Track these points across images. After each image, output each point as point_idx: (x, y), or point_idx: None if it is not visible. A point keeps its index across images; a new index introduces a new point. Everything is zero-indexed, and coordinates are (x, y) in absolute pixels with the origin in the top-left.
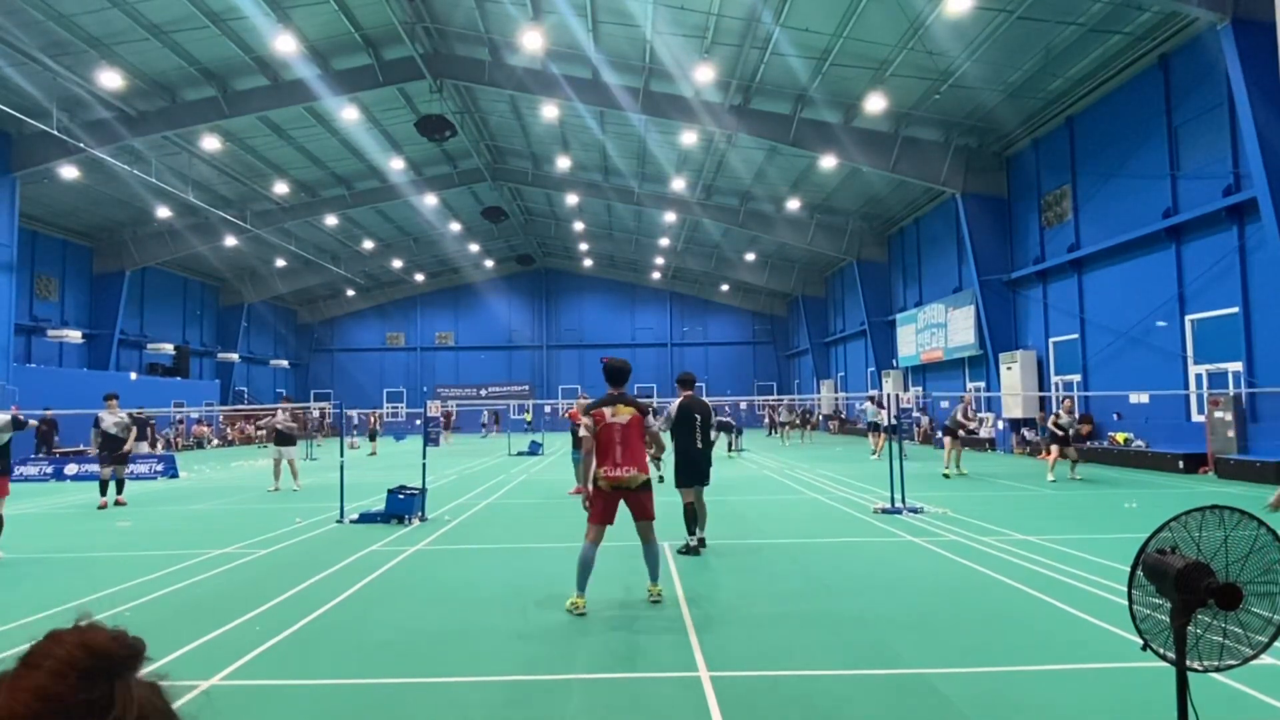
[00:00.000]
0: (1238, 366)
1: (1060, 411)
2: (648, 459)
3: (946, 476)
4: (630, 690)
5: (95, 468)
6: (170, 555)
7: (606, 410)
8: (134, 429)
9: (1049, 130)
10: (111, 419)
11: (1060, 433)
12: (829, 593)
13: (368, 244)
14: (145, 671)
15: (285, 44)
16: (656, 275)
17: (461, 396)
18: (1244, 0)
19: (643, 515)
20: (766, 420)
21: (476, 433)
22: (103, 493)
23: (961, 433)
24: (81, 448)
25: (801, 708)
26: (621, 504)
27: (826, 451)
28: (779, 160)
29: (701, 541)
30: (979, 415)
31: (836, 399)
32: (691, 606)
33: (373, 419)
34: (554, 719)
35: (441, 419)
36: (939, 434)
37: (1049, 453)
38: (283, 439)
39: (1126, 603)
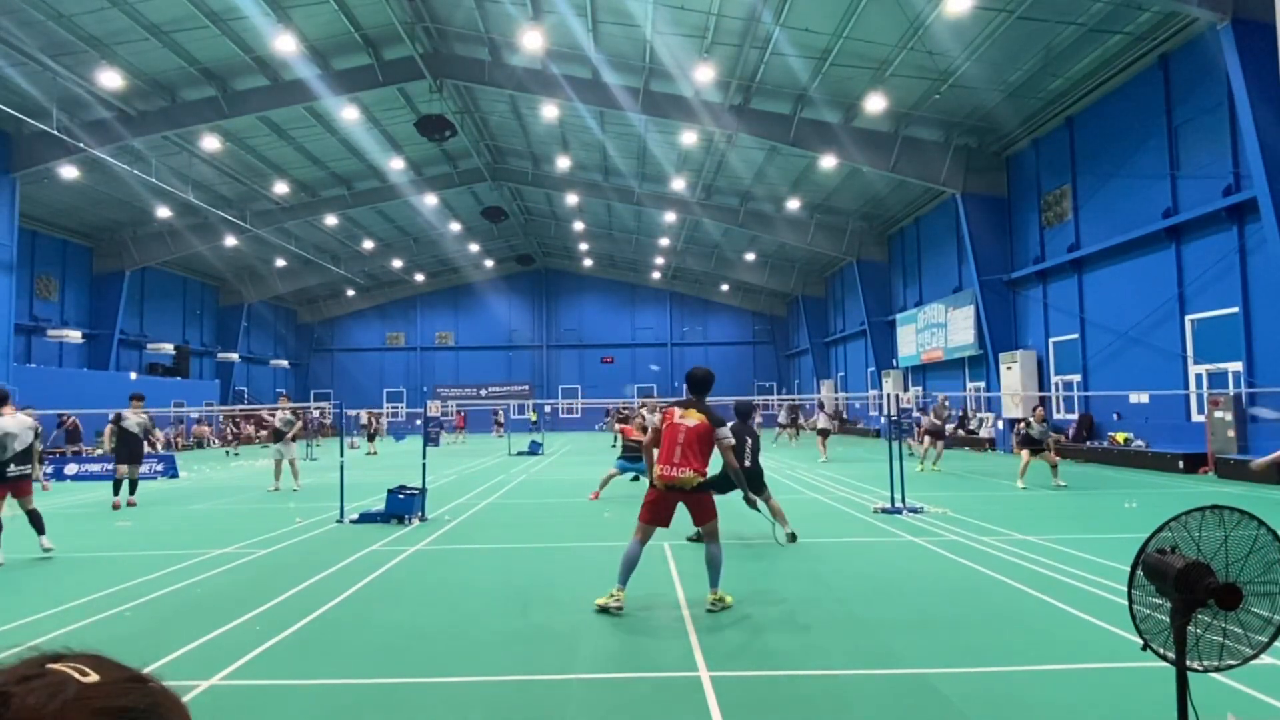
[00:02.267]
0: (1238, 366)
1: (1031, 420)
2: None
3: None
4: (630, 690)
5: (95, 468)
6: (170, 555)
7: (677, 410)
8: (155, 430)
9: (1049, 130)
10: (135, 418)
11: (1025, 439)
12: (829, 592)
13: (368, 244)
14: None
15: (285, 44)
16: (656, 275)
17: (461, 396)
18: (1244, 0)
19: (699, 519)
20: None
21: (490, 432)
22: (116, 491)
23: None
24: (86, 449)
25: (801, 708)
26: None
27: (829, 451)
28: (779, 160)
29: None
30: (950, 412)
31: (836, 399)
32: (691, 606)
33: (369, 418)
34: (554, 719)
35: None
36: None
37: (1029, 459)
38: (283, 438)
39: (1126, 603)
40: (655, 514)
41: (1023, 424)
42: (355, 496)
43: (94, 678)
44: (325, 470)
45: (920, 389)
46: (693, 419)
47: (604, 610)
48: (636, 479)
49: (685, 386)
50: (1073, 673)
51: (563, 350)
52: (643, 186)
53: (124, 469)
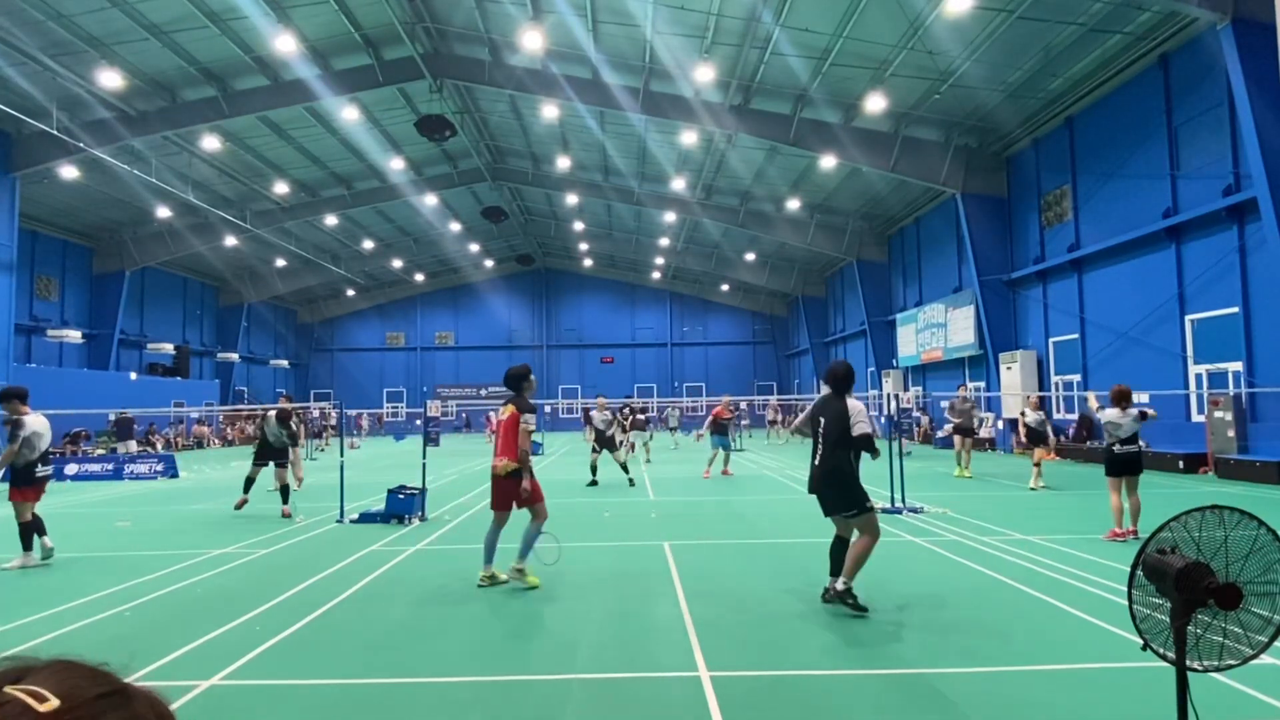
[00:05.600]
0: (1238, 366)
1: (1026, 409)
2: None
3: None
4: (630, 690)
5: (95, 467)
6: (170, 555)
7: (500, 409)
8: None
9: (1049, 130)
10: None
11: (1031, 434)
12: None
13: (368, 244)
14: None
15: (285, 44)
16: (656, 275)
17: (461, 396)
18: (1244, 0)
19: (516, 503)
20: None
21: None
22: (245, 490)
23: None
24: (86, 449)
25: (801, 708)
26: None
27: None
28: (779, 160)
29: (839, 594)
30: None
31: None
32: (691, 606)
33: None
34: (554, 719)
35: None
36: (939, 434)
37: (1042, 455)
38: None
39: (1126, 603)
40: (494, 501)
41: (1021, 416)
42: (355, 497)
43: (52, 704)
44: (325, 470)
45: (920, 389)
46: (505, 413)
47: (480, 584)
48: (632, 483)
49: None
50: (1073, 673)
51: (563, 350)
52: (643, 186)
53: (255, 471)
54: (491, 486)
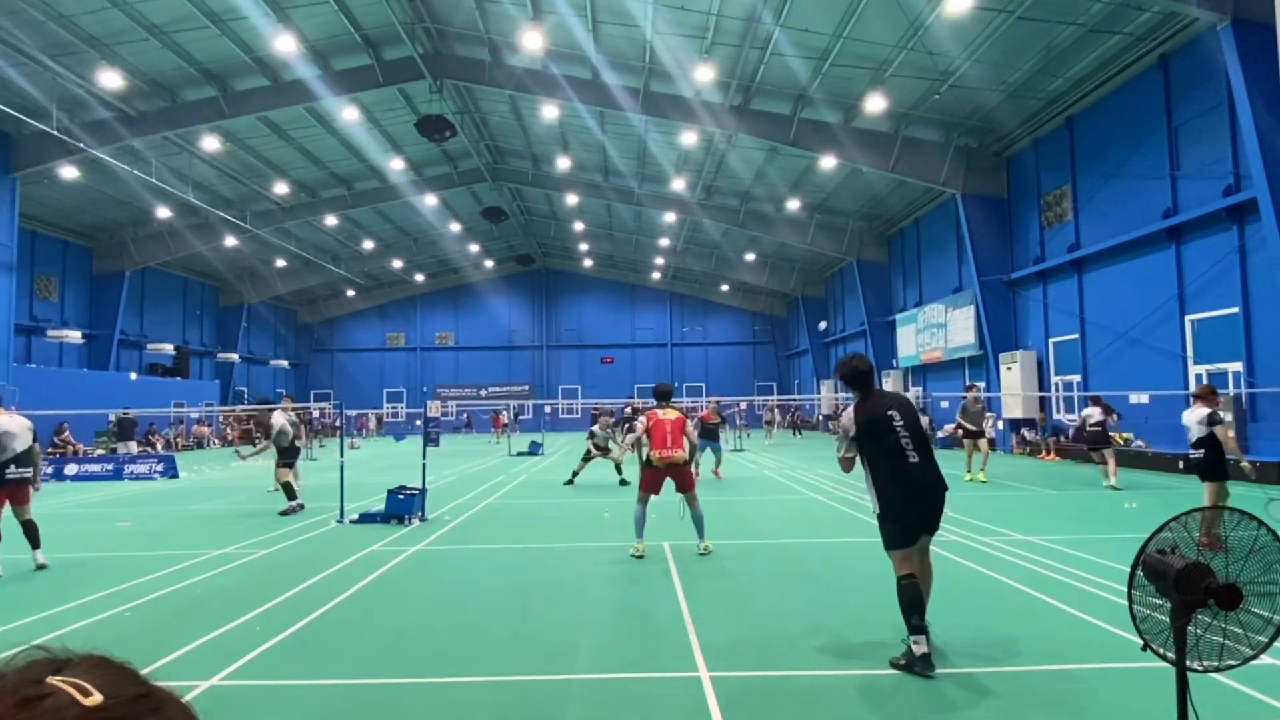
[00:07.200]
0: (1238, 366)
1: (1095, 411)
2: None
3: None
4: (630, 690)
5: (95, 468)
6: (170, 555)
7: (658, 411)
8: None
9: (1049, 130)
10: (282, 419)
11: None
12: (829, 593)
13: (368, 244)
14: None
15: (285, 44)
16: (656, 275)
17: (461, 396)
18: (1244, 0)
19: (685, 486)
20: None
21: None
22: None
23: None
24: (85, 449)
25: (801, 708)
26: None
27: (826, 451)
28: (779, 160)
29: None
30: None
31: (836, 399)
32: (691, 606)
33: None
34: (554, 719)
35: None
36: (940, 434)
37: (1111, 459)
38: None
39: (1126, 603)
40: (654, 486)
41: (1111, 417)
42: (355, 497)
43: (96, 698)
44: (325, 470)
45: (920, 389)
46: (673, 414)
47: (637, 556)
48: (625, 484)
49: (656, 397)
50: (1073, 673)
51: (563, 350)
52: (643, 187)
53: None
54: (654, 474)
